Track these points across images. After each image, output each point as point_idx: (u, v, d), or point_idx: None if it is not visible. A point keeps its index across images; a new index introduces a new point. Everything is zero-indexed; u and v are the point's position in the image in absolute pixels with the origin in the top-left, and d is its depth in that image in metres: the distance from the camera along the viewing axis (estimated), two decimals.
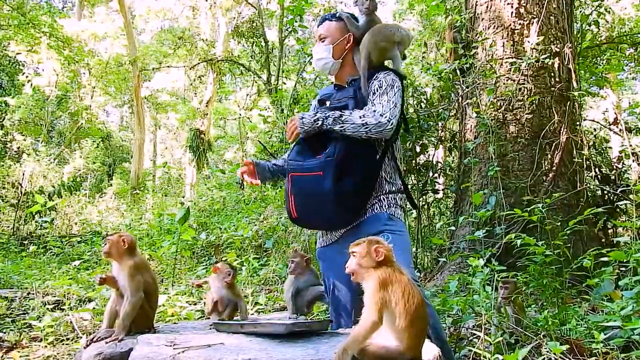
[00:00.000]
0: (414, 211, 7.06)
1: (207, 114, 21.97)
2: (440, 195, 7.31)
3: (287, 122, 2.90)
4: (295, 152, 2.86)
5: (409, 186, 6.72)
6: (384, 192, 2.82)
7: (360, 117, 2.65)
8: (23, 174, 14.07)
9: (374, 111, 2.66)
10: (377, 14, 3.06)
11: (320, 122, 2.72)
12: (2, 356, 3.54)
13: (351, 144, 2.69)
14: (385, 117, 2.65)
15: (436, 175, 6.90)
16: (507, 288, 3.55)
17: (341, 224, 2.83)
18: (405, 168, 6.73)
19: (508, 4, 6.31)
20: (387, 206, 2.80)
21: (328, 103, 2.97)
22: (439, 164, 7.02)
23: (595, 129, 7.35)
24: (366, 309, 1.86)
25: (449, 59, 7.26)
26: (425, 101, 7.04)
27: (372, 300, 1.85)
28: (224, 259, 6.55)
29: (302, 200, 2.75)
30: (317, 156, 2.74)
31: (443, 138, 7.24)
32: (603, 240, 5.96)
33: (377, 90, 2.77)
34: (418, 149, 6.69)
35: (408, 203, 3.01)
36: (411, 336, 1.85)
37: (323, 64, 3.01)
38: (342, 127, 2.67)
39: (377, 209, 2.78)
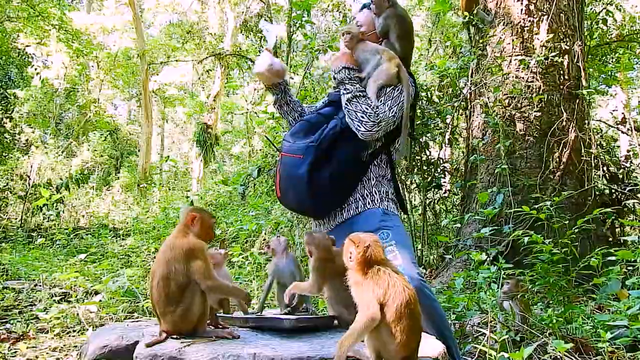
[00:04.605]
0: (419, 208, 7.04)
1: (214, 108, 21.93)
2: (444, 191, 7.27)
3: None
4: (290, 133, 2.84)
5: (414, 184, 6.68)
6: (375, 186, 2.74)
7: (366, 108, 2.59)
8: (31, 166, 14.14)
9: (377, 114, 2.59)
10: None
11: (342, 87, 2.69)
12: (9, 347, 3.57)
13: (340, 135, 2.64)
14: (382, 126, 2.60)
15: (440, 172, 6.84)
16: (509, 283, 3.55)
17: (315, 212, 2.82)
18: (407, 165, 6.69)
19: (518, 0, 6.27)
20: (379, 200, 2.72)
21: None
22: (441, 160, 6.94)
23: (602, 129, 7.30)
24: (360, 306, 1.81)
25: (452, 55, 7.21)
26: (426, 98, 6.96)
27: (365, 297, 1.80)
28: (229, 253, 6.57)
29: (283, 181, 2.74)
30: (306, 140, 2.70)
31: (448, 134, 7.18)
32: (610, 239, 5.93)
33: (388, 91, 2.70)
34: (421, 146, 6.65)
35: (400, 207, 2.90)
36: (402, 334, 1.76)
37: None
38: (350, 106, 2.62)
39: (369, 203, 2.71)
